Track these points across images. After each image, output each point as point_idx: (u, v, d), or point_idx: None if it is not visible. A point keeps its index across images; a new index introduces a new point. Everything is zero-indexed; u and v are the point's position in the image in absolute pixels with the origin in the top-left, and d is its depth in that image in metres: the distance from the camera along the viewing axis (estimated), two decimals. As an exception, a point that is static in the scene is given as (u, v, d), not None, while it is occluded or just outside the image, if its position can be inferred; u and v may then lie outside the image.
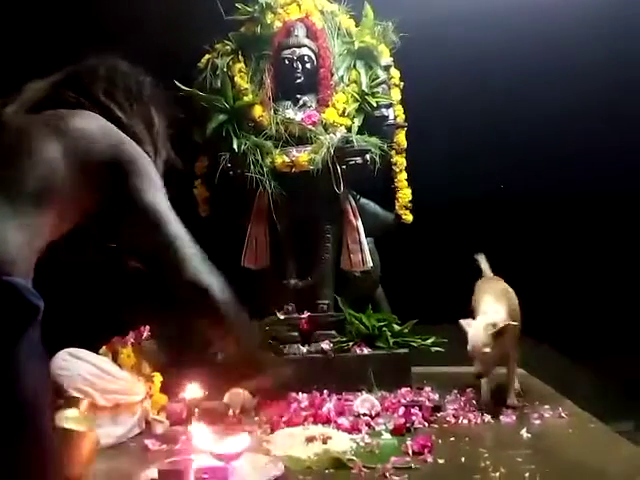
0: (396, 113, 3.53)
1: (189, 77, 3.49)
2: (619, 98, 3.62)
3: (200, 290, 1.25)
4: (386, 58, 3.57)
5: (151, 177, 1.30)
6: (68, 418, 1.67)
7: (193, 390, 2.45)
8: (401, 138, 3.52)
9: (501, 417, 2.56)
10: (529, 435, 2.33)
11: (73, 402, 1.70)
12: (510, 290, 2.81)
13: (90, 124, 1.29)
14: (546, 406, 2.67)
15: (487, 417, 2.56)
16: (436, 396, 2.87)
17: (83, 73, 1.42)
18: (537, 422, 2.50)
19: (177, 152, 1.54)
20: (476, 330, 2.55)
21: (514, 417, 2.56)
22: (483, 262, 3.09)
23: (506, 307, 2.64)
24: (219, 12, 3.44)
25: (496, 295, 2.71)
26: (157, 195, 1.28)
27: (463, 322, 2.62)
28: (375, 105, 3.46)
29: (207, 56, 3.54)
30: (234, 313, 1.32)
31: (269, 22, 3.57)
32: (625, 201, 3.73)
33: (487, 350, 2.51)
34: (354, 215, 3.43)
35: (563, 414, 2.58)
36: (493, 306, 2.64)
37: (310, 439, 2.27)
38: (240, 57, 3.56)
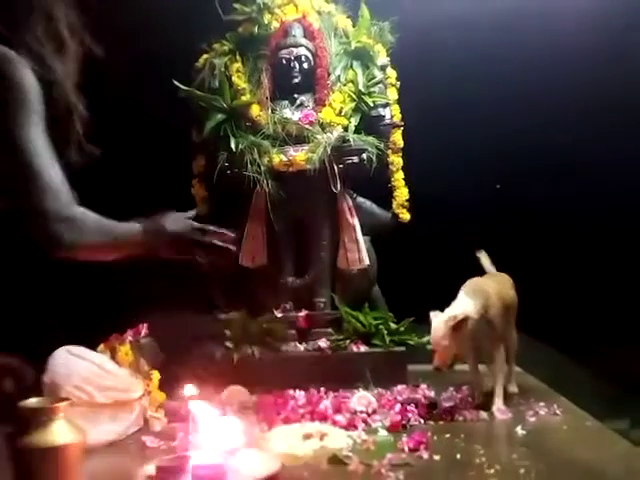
0: (393, 112, 3.55)
1: (187, 77, 3.50)
2: (621, 98, 3.62)
3: (62, 221, 1.21)
4: (383, 58, 3.58)
5: (28, 108, 1.20)
6: (53, 432, 1.66)
7: (192, 388, 2.45)
8: (397, 137, 3.53)
9: (496, 414, 2.57)
10: (524, 432, 2.34)
11: (51, 412, 1.67)
12: (489, 290, 2.66)
13: None
14: (541, 403, 2.69)
15: (483, 414, 2.58)
16: (432, 393, 2.88)
17: None
18: (532, 419, 2.51)
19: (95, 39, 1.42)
20: (437, 322, 2.52)
21: (509, 414, 2.57)
22: (483, 259, 3.06)
23: (478, 303, 2.54)
24: (217, 12, 3.45)
25: (466, 291, 2.62)
26: (31, 129, 1.19)
27: (432, 314, 2.58)
28: (372, 105, 3.48)
29: (205, 56, 3.55)
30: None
31: (266, 22, 3.58)
32: (623, 199, 3.73)
33: (444, 343, 2.47)
34: (351, 214, 3.44)
35: (558, 411, 2.59)
36: (463, 300, 2.58)
37: (307, 436, 2.29)
38: (238, 57, 3.57)
